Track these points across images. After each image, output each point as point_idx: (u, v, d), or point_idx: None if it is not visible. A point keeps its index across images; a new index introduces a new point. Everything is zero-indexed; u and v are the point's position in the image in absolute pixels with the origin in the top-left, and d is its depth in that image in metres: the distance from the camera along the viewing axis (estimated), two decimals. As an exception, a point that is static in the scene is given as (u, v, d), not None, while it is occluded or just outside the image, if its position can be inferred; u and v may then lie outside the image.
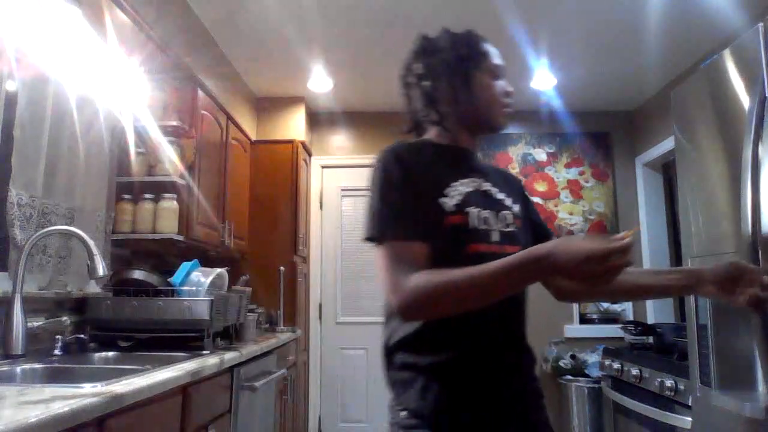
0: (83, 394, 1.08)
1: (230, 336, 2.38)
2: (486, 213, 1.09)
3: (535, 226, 1.25)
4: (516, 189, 1.24)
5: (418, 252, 1.00)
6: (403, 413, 1.04)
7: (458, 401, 1.02)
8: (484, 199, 1.11)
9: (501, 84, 1.18)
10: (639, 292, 1.23)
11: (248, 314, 2.60)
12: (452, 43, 1.19)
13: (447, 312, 0.97)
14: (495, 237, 1.08)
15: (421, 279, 0.95)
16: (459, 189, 1.09)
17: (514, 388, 1.08)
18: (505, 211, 1.13)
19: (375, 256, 1.04)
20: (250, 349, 2.25)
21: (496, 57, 1.19)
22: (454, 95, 1.16)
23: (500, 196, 1.16)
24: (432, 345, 1.04)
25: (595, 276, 0.86)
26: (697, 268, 1.21)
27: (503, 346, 1.08)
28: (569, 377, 3.74)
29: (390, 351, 1.09)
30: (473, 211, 1.07)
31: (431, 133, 1.22)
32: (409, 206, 1.04)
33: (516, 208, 1.17)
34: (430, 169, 1.10)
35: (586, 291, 1.21)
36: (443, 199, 1.07)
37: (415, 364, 1.04)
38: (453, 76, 1.16)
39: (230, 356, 1.97)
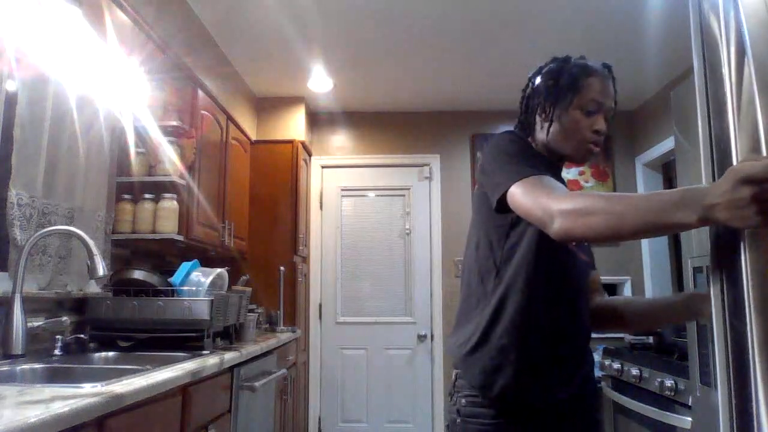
0: (83, 394, 1.08)
1: (230, 336, 2.38)
2: None
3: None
4: None
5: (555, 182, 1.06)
6: (465, 399, 1.16)
7: (532, 384, 1.14)
8: None
9: (591, 120, 1.21)
10: (650, 320, 1.30)
11: (248, 314, 2.60)
12: (558, 71, 1.27)
13: (600, 228, 0.88)
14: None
15: (579, 193, 0.97)
16: None
17: (580, 381, 1.22)
18: None
19: (517, 202, 1.06)
20: (250, 349, 2.25)
21: (594, 92, 1.22)
22: (542, 120, 1.26)
23: None
24: (526, 331, 1.15)
25: (759, 210, 0.63)
26: (695, 292, 1.30)
27: (582, 341, 1.23)
28: (569, 377, 3.73)
29: (486, 336, 1.17)
30: None
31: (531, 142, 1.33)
32: (537, 162, 1.14)
33: None
34: (537, 159, 1.21)
35: (606, 320, 1.34)
36: None
37: (510, 347, 1.14)
38: (545, 103, 1.25)
39: (230, 356, 1.97)
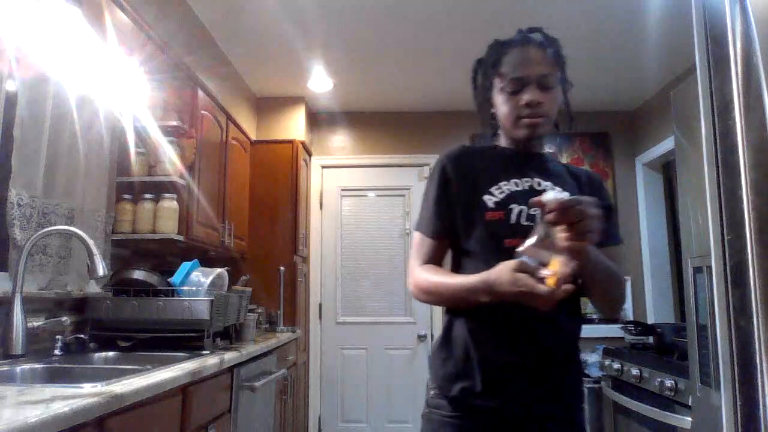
0: (83, 394, 1.08)
1: (230, 336, 2.38)
2: (537, 211, 1.10)
3: None
4: (587, 190, 1.24)
5: (432, 247, 1.21)
6: (432, 392, 1.18)
7: (487, 390, 1.10)
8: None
9: (519, 97, 1.17)
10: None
11: (248, 314, 2.60)
12: (478, 61, 1.27)
13: (433, 302, 1.22)
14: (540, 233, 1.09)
15: (422, 271, 1.19)
16: (506, 188, 1.18)
17: (554, 392, 1.13)
18: None
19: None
20: (250, 349, 2.25)
21: (511, 69, 1.18)
22: (484, 114, 1.27)
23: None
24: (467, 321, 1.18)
25: (527, 299, 0.95)
26: None
27: (550, 349, 1.14)
28: (569, 377, 3.73)
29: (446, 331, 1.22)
30: (516, 208, 1.16)
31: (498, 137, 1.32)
32: (439, 208, 1.21)
33: None
34: (479, 171, 1.21)
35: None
36: (486, 197, 1.18)
37: (454, 335, 1.18)
38: (477, 97, 1.27)
39: (230, 356, 1.97)
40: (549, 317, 1.09)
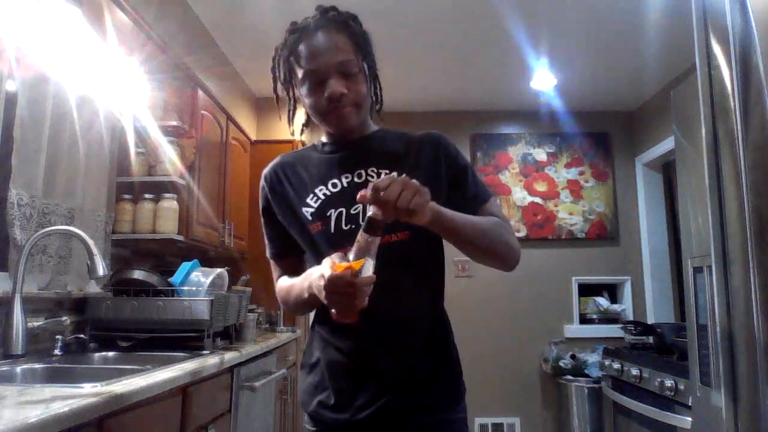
0: (83, 394, 1.08)
1: (230, 336, 2.38)
2: (359, 208, 1.04)
3: (457, 200, 1.08)
4: (430, 157, 1.12)
5: (280, 267, 1.23)
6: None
7: (341, 404, 1.07)
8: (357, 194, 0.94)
9: (319, 90, 1.06)
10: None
11: (248, 314, 2.60)
12: (279, 46, 1.14)
13: (289, 311, 1.28)
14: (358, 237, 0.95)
15: (278, 285, 1.21)
16: (320, 194, 1.09)
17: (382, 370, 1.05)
18: None
19: None
20: (250, 349, 2.25)
21: (307, 62, 1.05)
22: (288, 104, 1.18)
23: None
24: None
25: (335, 304, 0.89)
26: None
27: (394, 349, 1.05)
28: (569, 377, 3.74)
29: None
30: (334, 213, 1.06)
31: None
32: (268, 233, 1.22)
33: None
34: (295, 182, 1.14)
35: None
36: (305, 209, 1.10)
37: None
38: (277, 85, 1.16)
39: (230, 356, 1.97)
40: (385, 319, 1.02)
